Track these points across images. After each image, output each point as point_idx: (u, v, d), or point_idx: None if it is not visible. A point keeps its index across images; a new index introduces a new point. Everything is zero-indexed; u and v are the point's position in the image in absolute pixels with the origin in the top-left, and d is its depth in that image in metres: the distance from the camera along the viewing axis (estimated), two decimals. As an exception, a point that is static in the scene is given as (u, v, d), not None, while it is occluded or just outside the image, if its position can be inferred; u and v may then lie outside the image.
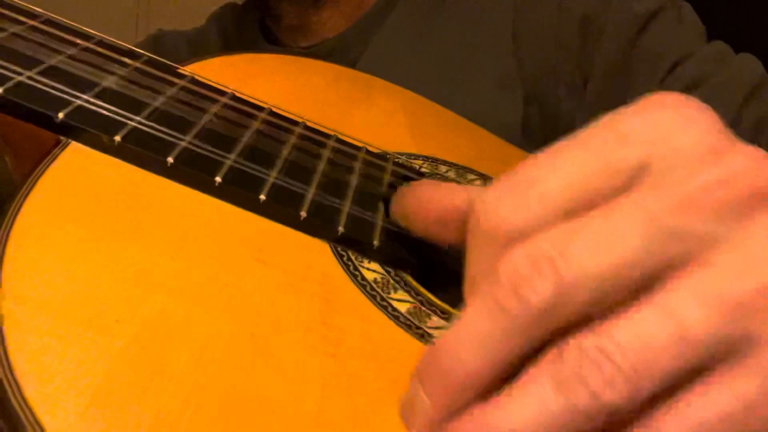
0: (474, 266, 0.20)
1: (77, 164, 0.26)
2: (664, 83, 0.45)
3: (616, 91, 0.46)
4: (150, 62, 0.33)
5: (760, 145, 0.42)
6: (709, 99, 0.43)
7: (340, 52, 0.52)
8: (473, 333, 0.18)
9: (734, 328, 0.17)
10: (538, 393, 0.17)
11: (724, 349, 0.17)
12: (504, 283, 0.18)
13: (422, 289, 0.28)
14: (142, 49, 0.34)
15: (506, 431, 0.17)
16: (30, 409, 0.18)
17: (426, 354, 0.19)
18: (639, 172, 0.18)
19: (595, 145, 0.19)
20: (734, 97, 0.43)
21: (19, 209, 0.23)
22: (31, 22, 0.31)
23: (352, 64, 0.50)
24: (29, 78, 0.27)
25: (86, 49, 0.31)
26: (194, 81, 0.33)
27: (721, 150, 0.18)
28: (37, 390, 0.18)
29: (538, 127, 0.49)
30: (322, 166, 0.31)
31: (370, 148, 0.35)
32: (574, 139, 0.19)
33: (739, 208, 0.18)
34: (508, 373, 0.18)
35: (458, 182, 0.37)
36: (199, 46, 0.58)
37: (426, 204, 0.26)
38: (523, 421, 0.17)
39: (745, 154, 0.19)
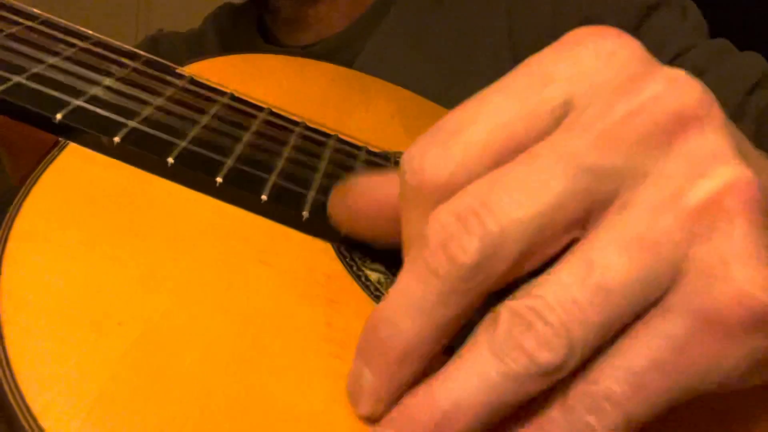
0: (406, 228, 0.19)
1: (76, 165, 0.25)
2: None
3: None
4: (148, 63, 0.33)
5: (764, 136, 0.43)
6: (712, 88, 0.44)
7: (338, 51, 0.51)
8: (408, 299, 0.18)
9: (656, 270, 0.17)
10: (477, 363, 0.17)
11: (651, 291, 0.17)
12: (432, 244, 0.17)
13: (426, 290, 0.27)
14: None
15: (451, 407, 0.17)
16: (32, 415, 0.17)
17: (365, 327, 0.19)
18: (562, 113, 0.18)
19: (516, 88, 0.18)
20: (738, 87, 0.43)
21: (17, 211, 0.23)
22: (29, 23, 0.31)
23: (349, 63, 0.50)
24: (27, 78, 0.27)
25: (84, 50, 0.31)
26: (193, 81, 0.33)
27: (638, 78, 0.18)
28: (38, 395, 0.18)
29: None
30: (323, 166, 0.31)
31: (370, 148, 0.35)
32: (497, 84, 0.19)
33: (658, 136, 0.17)
34: (454, 340, 0.18)
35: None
36: (197, 47, 0.58)
37: (360, 201, 0.24)
38: (466, 394, 0.17)
39: (663, 77, 0.18)
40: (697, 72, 0.45)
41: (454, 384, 0.17)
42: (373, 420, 0.19)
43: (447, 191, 0.18)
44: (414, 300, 0.17)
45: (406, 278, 0.18)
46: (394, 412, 0.18)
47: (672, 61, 0.45)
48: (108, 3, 1.46)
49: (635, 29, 0.47)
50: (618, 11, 0.47)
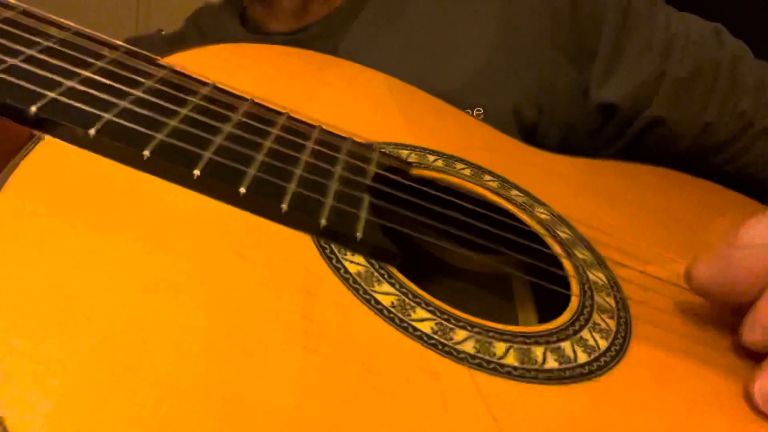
0: None
1: (51, 159, 0.25)
2: (659, 38, 0.49)
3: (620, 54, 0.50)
4: (129, 53, 0.32)
5: (739, 77, 0.49)
6: (697, 49, 0.53)
7: (322, 38, 0.51)
8: None
9: None
10: None
11: None
12: None
13: (407, 281, 0.27)
14: None
15: None
16: None
17: None
18: None
19: None
20: (711, 42, 0.49)
21: None
22: (5, 15, 0.30)
23: (333, 50, 0.49)
24: (2, 71, 0.27)
25: (62, 41, 0.30)
26: (174, 71, 0.33)
27: None
28: (3, 391, 0.17)
29: (535, 94, 0.50)
30: (305, 157, 0.31)
31: (355, 139, 0.34)
32: None
33: None
34: None
35: (447, 171, 0.36)
36: (177, 44, 0.58)
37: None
38: None
39: None
40: (684, 37, 0.49)
41: None
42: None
43: None
44: None
45: None
46: None
47: (666, 29, 0.49)
48: (108, 3, 1.45)
49: (627, 5, 0.50)
50: None
